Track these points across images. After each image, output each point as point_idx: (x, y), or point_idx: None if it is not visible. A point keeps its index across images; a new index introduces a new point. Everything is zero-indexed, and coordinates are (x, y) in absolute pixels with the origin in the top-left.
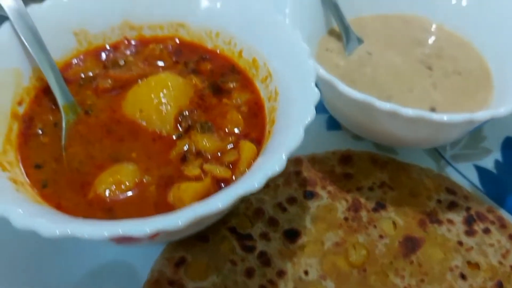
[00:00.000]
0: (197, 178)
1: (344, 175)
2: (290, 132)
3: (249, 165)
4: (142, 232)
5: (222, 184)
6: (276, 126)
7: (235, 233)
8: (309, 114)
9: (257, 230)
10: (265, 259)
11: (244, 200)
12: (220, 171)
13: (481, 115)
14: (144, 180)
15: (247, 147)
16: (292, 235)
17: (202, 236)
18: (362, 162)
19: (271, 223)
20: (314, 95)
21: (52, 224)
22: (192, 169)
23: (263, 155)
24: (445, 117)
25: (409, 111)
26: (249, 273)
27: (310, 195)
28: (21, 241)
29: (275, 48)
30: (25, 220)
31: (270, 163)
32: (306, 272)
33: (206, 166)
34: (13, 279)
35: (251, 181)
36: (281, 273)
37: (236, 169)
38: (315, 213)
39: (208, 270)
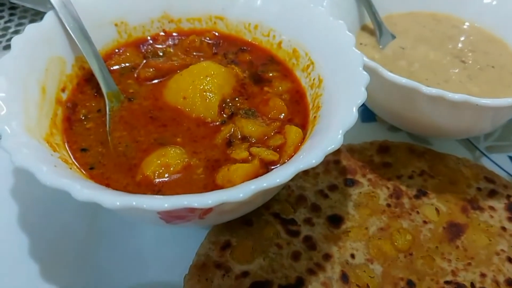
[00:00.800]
0: (244, 161)
1: (383, 164)
2: (342, 113)
3: (296, 149)
4: (205, 204)
5: (270, 167)
6: (322, 111)
7: (279, 218)
8: (361, 96)
9: (300, 215)
10: (310, 243)
11: (285, 187)
12: (267, 153)
13: None
14: (192, 162)
15: (294, 131)
16: (335, 220)
17: (246, 220)
18: (400, 152)
19: (314, 209)
20: (364, 78)
21: (113, 196)
22: (240, 152)
23: (313, 137)
24: (490, 101)
25: (455, 95)
26: (296, 256)
27: (351, 183)
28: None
29: (319, 38)
30: (86, 193)
31: (326, 140)
32: (352, 256)
33: (254, 149)
34: (63, 263)
35: (309, 157)
36: (327, 257)
37: (283, 152)
38: (357, 199)
39: (254, 253)
